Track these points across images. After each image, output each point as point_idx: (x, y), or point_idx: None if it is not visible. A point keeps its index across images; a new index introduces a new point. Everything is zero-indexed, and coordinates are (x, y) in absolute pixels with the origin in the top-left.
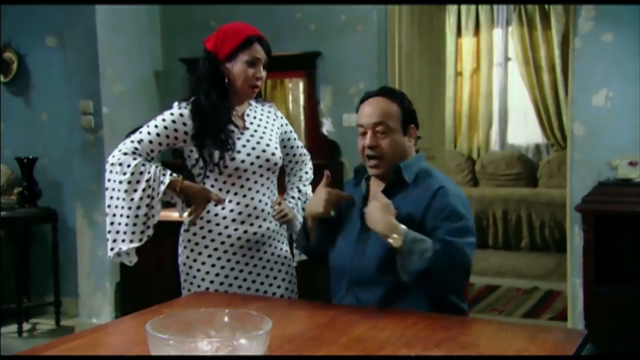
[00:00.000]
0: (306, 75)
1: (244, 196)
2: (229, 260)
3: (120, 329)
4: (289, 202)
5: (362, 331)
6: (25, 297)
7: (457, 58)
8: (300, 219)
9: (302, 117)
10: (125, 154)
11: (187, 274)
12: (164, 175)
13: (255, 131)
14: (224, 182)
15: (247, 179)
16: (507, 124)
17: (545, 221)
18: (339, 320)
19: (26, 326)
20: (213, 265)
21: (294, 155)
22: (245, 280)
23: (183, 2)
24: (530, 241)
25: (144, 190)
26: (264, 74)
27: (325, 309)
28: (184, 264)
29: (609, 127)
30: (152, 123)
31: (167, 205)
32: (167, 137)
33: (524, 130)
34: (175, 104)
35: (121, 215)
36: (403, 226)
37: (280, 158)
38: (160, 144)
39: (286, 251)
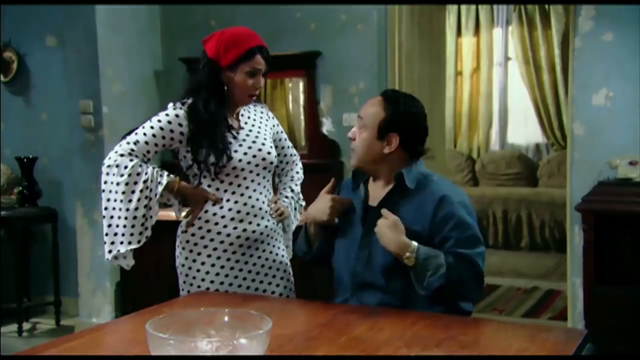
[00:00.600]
0: (306, 75)
1: (242, 195)
2: (228, 260)
3: (120, 329)
4: (283, 201)
5: (361, 331)
6: (25, 297)
7: (457, 58)
8: (294, 219)
9: (302, 117)
10: (121, 155)
11: (187, 275)
12: (161, 176)
13: (250, 131)
14: (221, 182)
15: (244, 178)
16: (507, 124)
17: (545, 221)
18: (338, 320)
19: (26, 326)
20: (213, 265)
21: (285, 155)
22: (244, 279)
23: (183, 2)
24: (530, 241)
25: (141, 191)
26: (262, 83)
27: (325, 308)
28: (183, 265)
29: (609, 127)
30: (147, 124)
31: (165, 205)
32: (163, 137)
33: (524, 130)
34: (170, 105)
35: (119, 217)
36: (415, 243)
37: (275, 157)
38: (156, 144)
39: (283, 249)
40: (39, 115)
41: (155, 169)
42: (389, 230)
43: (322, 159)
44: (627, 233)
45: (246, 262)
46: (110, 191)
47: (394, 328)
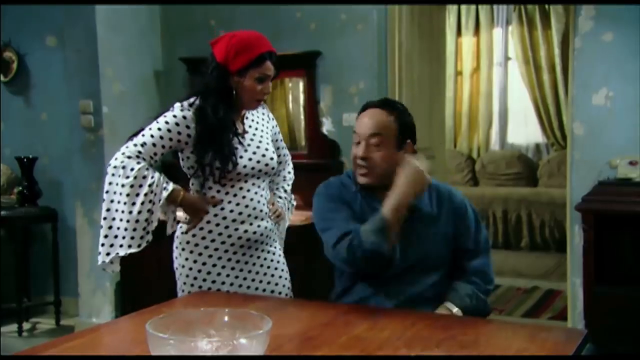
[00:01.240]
0: (306, 75)
1: (243, 197)
2: (229, 260)
3: (120, 329)
4: (277, 201)
5: (361, 331)
6: (25, 297)
7: (457, 58)
8: (287, 219)
9: (302, 117)
10: (128, 157)
11: (187, 275)
12: (167, 182)
13: (254, 135)
14: (223, 185)
15: (246, 182)
16: (507, 124)
17: (545, 221)
18: (338, 320)
19: (26, 326)
20: (214, 265)
21: (279, 155)
22: (245, 279)
23: (183, 2)
24: (530, 241)
25: (145, 195)
26: (270, 89)
27: (325, 308)
28: (183, 266)
29: (609, 127)
30: (154, 125)
31: None
32: (170, 139)
33: (524, 130)
34: (177, 105)
35: (120, 220)
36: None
37: (276, 162)
38: (163, 146)
39: (280, 249)
40: (39, 115)
41: (162, 175)
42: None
43: (322, 158)
44: (627, 233)
45: (246, 263)
46: (115, 192)
47: (394, 328)
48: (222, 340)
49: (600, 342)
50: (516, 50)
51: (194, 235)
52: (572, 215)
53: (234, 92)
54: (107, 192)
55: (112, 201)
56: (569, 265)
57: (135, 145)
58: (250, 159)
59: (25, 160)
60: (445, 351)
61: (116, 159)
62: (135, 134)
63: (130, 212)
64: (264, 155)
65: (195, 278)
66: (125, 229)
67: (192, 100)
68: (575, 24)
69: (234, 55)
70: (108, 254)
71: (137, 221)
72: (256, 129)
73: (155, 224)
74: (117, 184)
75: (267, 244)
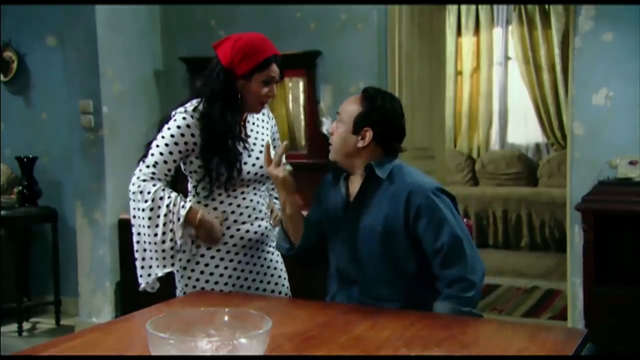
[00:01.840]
0: (306, 75)
1: (243, 198)
2: (231, 260)
3: (120, 329)
4: (275, 203)
5: (361, 330)
6: (25, 297)
7: (457, 57)
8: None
9: (302, 117)
10: (144, 180)
11: (189, 277)
12: (184, 201)
13: (256, 138)
14: (225, 189)
15: (247, 186)
16: (507, 123)
17: (545, 220)
18: (338, 320)
19: (26, 325)
20: (217, 266)
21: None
22: (246, 279)
23: (183, 2)
24: (530, 240)
25: (165, 215)
26: (275, 92)
27: (325, 308)
28: (184, 268)
29: (609, 127)
30: (160, 140)
31: None
32: (180, 152)
33: (524, 130)
34: (179, 111)
35: (149, 243)
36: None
37: None
38: (174, 160)
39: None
40: (39, 115)
41: (179, 195)
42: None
43: (322, 158)
44: (627, 233)
45: (247, 263)
46: (137, 217)
47: (394, 328)
48: (222, 340)
49: (600, 342)
50: (516, 50)
51: (196, 238)
52: (572, 215)
53: (239, 96)
54: (132, 217)
55: (138, 226)
56: (569, 265)
57: (147, 166)
58: (253, 165)
59: (25, 160)
60: (445, 351)
61: (133, 184)
62: (145, 154)
63: (155, 235)
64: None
65: (197, 279)
66: (155, 251)
67: (195, 104)
68: (575, 24)
69: (240, 59)
70: (149, 275)
71: (163, 242)
72: (257, 132)
73: (181, 241)
74: (138, 209)
75: (266, 244)
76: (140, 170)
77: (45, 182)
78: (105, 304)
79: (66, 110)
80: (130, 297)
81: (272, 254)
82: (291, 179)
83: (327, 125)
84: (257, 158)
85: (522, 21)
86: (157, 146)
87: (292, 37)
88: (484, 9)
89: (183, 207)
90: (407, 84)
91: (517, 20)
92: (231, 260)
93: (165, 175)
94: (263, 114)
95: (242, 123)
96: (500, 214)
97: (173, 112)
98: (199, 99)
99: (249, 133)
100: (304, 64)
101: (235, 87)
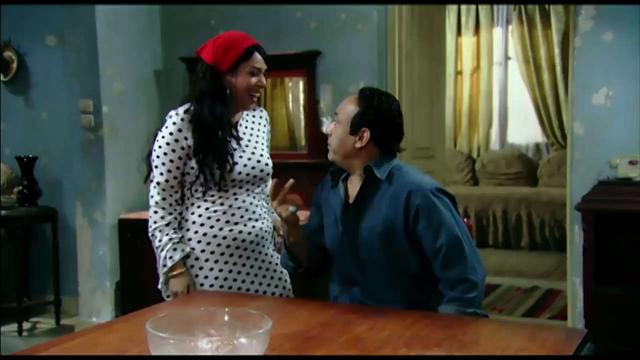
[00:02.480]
0: (306, 74)
1: (236, 199)
2: (226, 262)
3: (120, 328)
4: (276, 219)
5: (361, 330)
6: (25, 296)
7: (457, 57)
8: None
9: (302, 116)
10: (155, 222)
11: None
12: (174, 250)
13: (249, 140)
14: (218, 190)
15: (240, 187)
16: (507, 123)
17: (545, 220)
18: (338, 320)
19: (26, 325)
20: (211, 269)
21: None
22: (243, 281)
23: (183, 2)
24: (530, 240)
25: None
26: (264, 81)
27: (325, 308)
28: None
29: (609, 126)
30: (159, 151)
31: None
32: (180, 158)
33: (524, 130)
34: (170, 114)
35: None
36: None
37: (271, 167)
38: (178, 167)
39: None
40: (39, 115)
41: (180, 240)
42: None
43: (322, 158)
44: (627, 233)
45: (243, 265)
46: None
47: (394, 328)
48: (222, 340)
49: (600, 342)
50: (516, 49)
51: (189, 239)
52: (572, 215)
53: (228, 92)
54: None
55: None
56: (569, 265)
57: (158, 183)
58: (245, 165)
59: (25, 159)
60: (445, 351)
61: (150, 226)
62: (149, 169)
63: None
64: (259, 161)
65: (193, 282)
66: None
67: (186, 106)
68: (575, 24)
69: (222, 54)
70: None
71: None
72: (251, 134)
73: (180, 252)
74: (156, 247)
75: (263, 245)
76: (152, 196)
77: (45, 182)
78: (105, 303)
79: (66, 110)
80: (130, 297)
81: (272, 255)
82: (294, 217)
83: (327, 125)
84: (249, 159)
85: (522, 21)
86: (158, 157)
87: (292, 37)
88: (484, 9)
89: (171, 258)
90: (407, 83)
91: (517, 20)
92: (226, 262)
93: (176, 192)
94: (260, 117)
95: (236, 121)
96: (500, 214)
97: (165, 120)
98: (190, 102)
99: (241, 135)
100: (304, 63)
101: (222, 84)
